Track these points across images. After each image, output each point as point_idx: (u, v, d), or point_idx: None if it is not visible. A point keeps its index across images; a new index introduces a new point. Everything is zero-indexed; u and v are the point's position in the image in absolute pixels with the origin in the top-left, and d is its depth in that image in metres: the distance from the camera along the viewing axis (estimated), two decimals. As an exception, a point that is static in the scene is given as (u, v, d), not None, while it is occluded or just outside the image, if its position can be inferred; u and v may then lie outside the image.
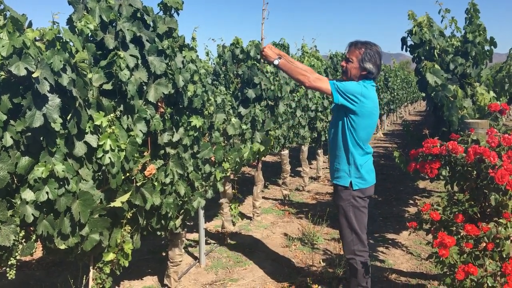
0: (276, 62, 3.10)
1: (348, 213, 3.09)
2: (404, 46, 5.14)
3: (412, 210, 6.16)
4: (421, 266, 4.24)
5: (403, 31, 5.09)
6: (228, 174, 4.16)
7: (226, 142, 4.56)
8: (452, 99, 4.59)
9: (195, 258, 4.46)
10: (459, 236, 2.48)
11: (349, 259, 3.15)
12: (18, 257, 2.30)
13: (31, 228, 2.32)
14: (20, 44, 1.99)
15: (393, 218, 5.85)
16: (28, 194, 2.17)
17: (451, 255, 2.37)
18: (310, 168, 8.63)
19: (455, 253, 2.40)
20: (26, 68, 1.99)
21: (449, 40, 5.14)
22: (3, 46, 1.96)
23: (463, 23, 5.10)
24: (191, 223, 5.37)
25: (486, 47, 5.03)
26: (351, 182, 3.05)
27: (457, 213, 2.56)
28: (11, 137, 2.12)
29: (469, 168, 2.61)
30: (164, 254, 4.52)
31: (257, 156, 5.08)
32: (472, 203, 2.59)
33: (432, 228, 2.65)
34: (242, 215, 5.86)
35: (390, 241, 4.95)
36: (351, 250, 3.13)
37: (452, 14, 5.22)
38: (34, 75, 2.01)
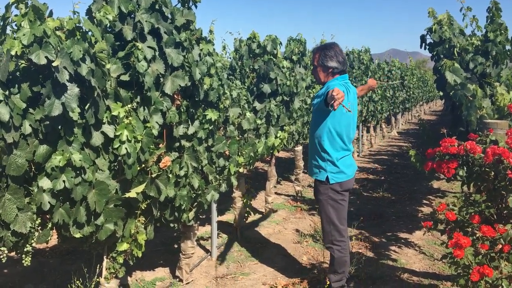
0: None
1: (326, 206, 3.27)
2: (423, 44, 5.07)
3: (426, 210, 6.10)
4: (434, 267, 4.20)
5: (421, 29, 5.04)
6: (241, 168, 4.17)
7: (240, 136, 4.56)
8: (471, 99, 4.52)
9: (207, 251, 4.48)
10: (474, 237, 2.46)
11: (328, 248, 3.37)
12: (33, 244, 2.33)
13: (47, 216, 2.35)
14: (41, 33, 2.01)
15: (406, 217, 5.80)
16: (45, 182, 2.20)
17: (466, 256, 2.35)
18: (324, 165, 8.58)
19: (470, 254, 2.37)
20: (46, 57, 2.02)
21: (469, 38, 5.06)
22: (24, 35, 1.99)
23: (484, 21, 5.02)
24: (204, 216, 5.39)
25: (507, 47, 4.94)
26: (327, 177, 3.21)
27: (473, 214, 2.53)
28: (30, 125, 2.15)
29: (487, 169, 2.58)
30: (176, 246, 4.55)
31: (271, 151, 5.07)
32: (489, 204, 2.56)
33: (447, 229, 2.63)
34: (255, 210, 5.86)
35: (402, 241, 4.90)
36: (328, 240, 3.33)
37: (473, 13, 5.13)
38: (54, 64, 2.03)
